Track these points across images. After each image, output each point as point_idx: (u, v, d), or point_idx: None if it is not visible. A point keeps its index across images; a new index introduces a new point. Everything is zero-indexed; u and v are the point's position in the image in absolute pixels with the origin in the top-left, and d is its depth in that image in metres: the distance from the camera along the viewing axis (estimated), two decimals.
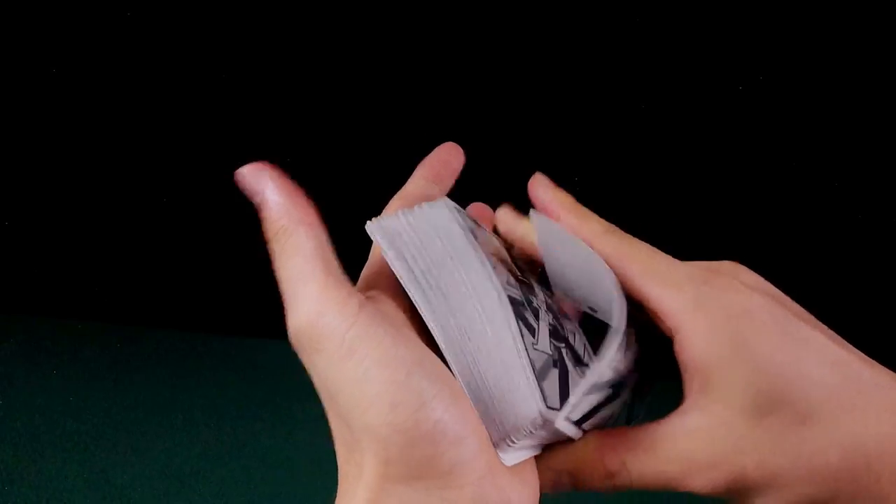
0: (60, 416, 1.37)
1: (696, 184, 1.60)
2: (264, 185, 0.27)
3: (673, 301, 0.25)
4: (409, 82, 1.52)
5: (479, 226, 0.31)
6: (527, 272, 0.30)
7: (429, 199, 0.32)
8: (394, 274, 0.27)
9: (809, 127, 1.56)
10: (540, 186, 0.33)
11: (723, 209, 1.62)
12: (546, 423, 0.24)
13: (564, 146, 1.57)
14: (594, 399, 0.26)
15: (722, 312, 0.24)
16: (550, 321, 0.27)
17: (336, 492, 0.25)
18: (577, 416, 0.25)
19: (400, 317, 0.26)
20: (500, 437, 0.25)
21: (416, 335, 0.25)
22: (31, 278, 1.61)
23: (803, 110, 1.55)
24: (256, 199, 0.27)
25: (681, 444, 0.24)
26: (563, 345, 0.27)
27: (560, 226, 0.30)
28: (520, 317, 0.25)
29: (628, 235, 0.28)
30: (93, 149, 1.53)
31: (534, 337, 0.25)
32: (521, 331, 0.25)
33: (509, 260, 0.30)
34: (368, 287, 0.28)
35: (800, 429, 0.23)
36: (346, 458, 0.24)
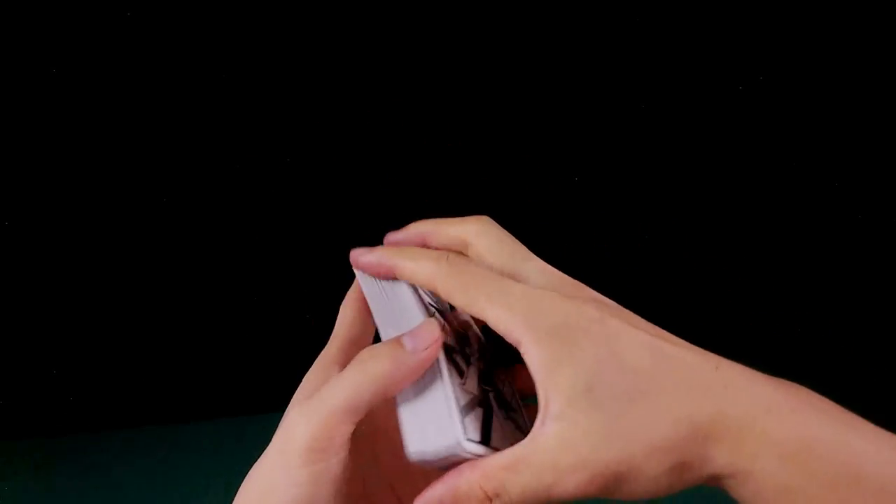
0: None
1: (696, 184, 1.60)
2: (423, 341, 0.29)
3: (508, 322, 0.27)
4: (409, 83, 1.52)
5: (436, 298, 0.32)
6: (470, 328, 0.33)
7: (368, 329, 0.35)
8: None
9: (809, 127, 1.56)
10: (360, 255, 0.33)
11: (723, 209, 1.62)
12: (459, 452, 0.26)
13: (564, 146, 1.57)
14: (476, 415, 0.28)
15: (545, 324, 0.27)
16: (482, 367, 0.30)
17: None
18: (474, 435, 0.27)
19: (358, 483, 0.31)
20: (417, 440, 0.27)
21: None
22: None
23: (803, 110, 1.55)
24: (410, 337, 0.30)
25: (544, 455, 0.26)
26: (492, 389, 0.30)
27: (374, 280, 0.32)
28: (449, 359, 0.28)
29: (462, 261, 0.30)
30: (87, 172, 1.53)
31: (462, 378, 0.28)
32: (449, 369, 0.28)
33: (453, 321, 0.32)
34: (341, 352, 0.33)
35: (630, 410, 0.26)
36: None
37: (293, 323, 1.55)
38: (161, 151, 1.52)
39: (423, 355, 0.28)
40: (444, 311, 0.31)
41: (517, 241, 0.32)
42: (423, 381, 0.28)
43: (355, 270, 0.33)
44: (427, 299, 0.31)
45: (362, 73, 1.51)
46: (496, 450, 0.27)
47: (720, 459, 0.26)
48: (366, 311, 0.34)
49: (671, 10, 1.49)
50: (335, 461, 0.27)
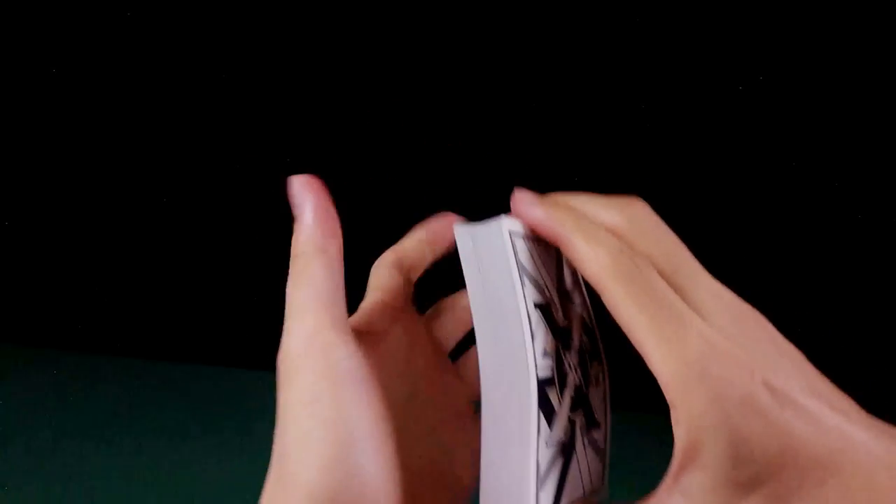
0: None
1: (696, 183, 1.60)
2: (305, 202, 0.26)
3: (674, 378, 0.23)
4: (409, 83, 1.52)
5: (534, 244, 0.27)
6: (575, 317, 0.28)
7: (423, 259, 0.31)
8: (396, 313, 0.27)
9: (809, 127, 1.56)
10: (525, 201, 0.28)
11: (723, 209, 1.62)
12: None
13: (564, 146, 1.57)
14: (552, 481, 0.25)
15: (720, 398, 0.23)
16: (577, 381, 0.27)
17: None
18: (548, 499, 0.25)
19: (382, 372, 0.27)
20: (491, 500, 0.25)
21: (382, 400, 0.25)
22: None
23: (803, 110, 1.55)
24: (295, 211, 0.27)
25: None
26: (580, 410, 0.27)
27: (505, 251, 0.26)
28: (542, 405, 0.25)
29: (645, 268, 0.25)
30: (89, 149, 1.52)
31: (550, 427, 0.25)
32: (539, 428, 0.25)
33: (552, 288, 0.27)
34: (367, 326, 0.29)
35: None
36: (272, 491, 0.25)
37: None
38: (161, 151, 1.52)
39: (310, 209, 0.26)
40: (550, 306, 0.27)
41: (678, 239, 0.27)
42: (509, 432, 0.25)
43: (459, 232, 0.27)
44: (535, 297, 0.26)
45: (362, 73, 1.50)
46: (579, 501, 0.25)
47: None
48: (405, 270, 0.31)
49: (671, 10, 1.49)
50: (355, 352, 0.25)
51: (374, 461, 0.24)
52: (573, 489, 0.26)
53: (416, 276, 0.32)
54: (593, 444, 0.28)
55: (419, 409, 0.30)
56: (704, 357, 0.23)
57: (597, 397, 0.28)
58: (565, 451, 0.26)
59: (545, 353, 0.26)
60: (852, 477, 0.23)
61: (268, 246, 1.58)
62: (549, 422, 0.25)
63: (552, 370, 0.26)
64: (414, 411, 0.30)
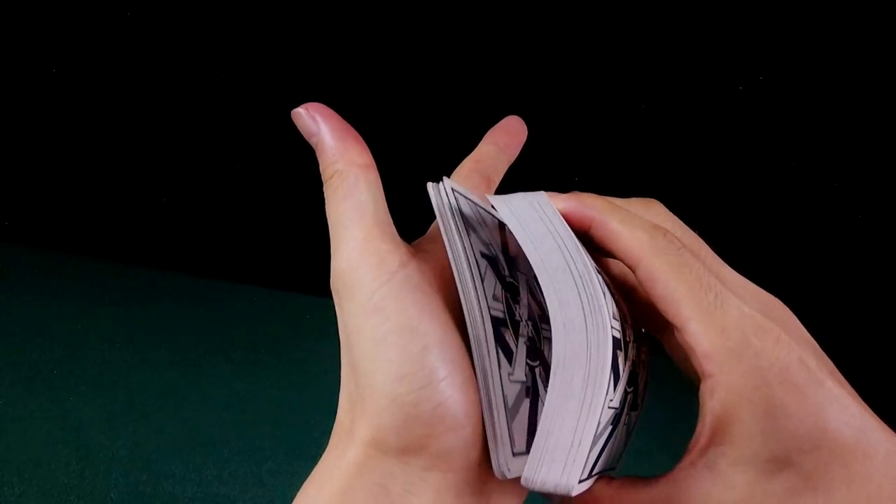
0: (22, 343, 1.32)
1: (696, 183, 1.60)
2: (320, 126, 0.26)
3: (713, 347, 0.23)
4: (409, 83, 1.52)
5: (473, 210, 0.28)
6: (513, 255, 0.29)
7: (500, 163, 0.32)
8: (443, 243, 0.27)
9: (809, 127, 1.56)
10: (556, 196, 0.28)
11: (723, 209, 1.62)
12: (566, 493, 0.23)
13: (564, 146, 1.57)
14: (598, 447, 0.25)
15: (759, 369, 0.23)
16: (529, 333, 0.27)
17: (323, 445, 0.25)
18: (583, 474, 0.24)
19: (438, 284, 0.26)
20: (496, 452, 0.24)
21: (446, 309, 0.24)
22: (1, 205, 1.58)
23: (803, 110, 1.55)
24: (312, 141, 0.26)
25: (685, 501, 0.23)
26: (538, 362, 0.27)
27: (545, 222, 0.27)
28: (499, 341, 0.25)
29: (681, 243, 0.25)
30: (93, 145, 1.52)
31: (510, 365, 0.25)
32: (499, 360, 0.25)
33: (496, 246, 0.28)
34: (420, 245, 0.28)
35: (801, 493, 0.23)
36: (346, 409, 0.24)
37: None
38: (161, 152, 1.52)
39: (327, 130, 0.26)
40: (496, 260, 0.28)
41: (698, 237, 0.27)
42: (477, 362, 0.24)
43: (506, 214, 0.27)
44: (480, 247, 0.27)
45: (362, 73, 1.50)
46: (601, 474, 0.25)
47: None
48: (485, 174, 0.31)
49: (671, 10, 1.49)
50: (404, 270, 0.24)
51: (448, 370, 0.23)
52: (610, 454, 0.26)
53: (496, 179, 0.33)
54: (631, 413, 0.28)
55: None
56: (745, 328, 0.23)
57: (549, 354, 0.28)
58: (530, 394, 0.26)
59: (494, 297, 0.26)
60: (875, 466, 0.23)
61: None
62: (509, 359, 0.25)
63: (503, 313, 0.26)
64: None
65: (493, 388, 0.24)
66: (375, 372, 0.23)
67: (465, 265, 0.25)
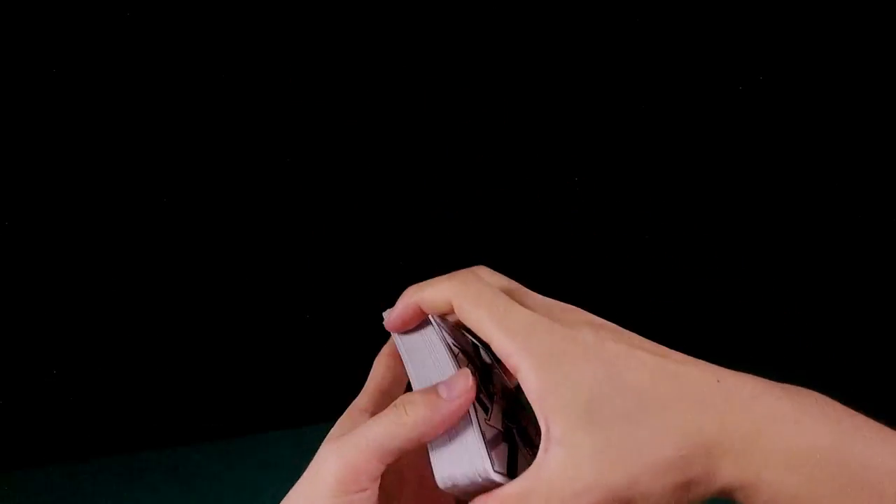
0: None
1: (696, 183, 1.60)
2: (462, 390, 0.29)
3: (508, 346, 0.27)
4: (410, 83, 1.52)
5: (456, 329, 0.34)
6: (494, 368, 0.34)
7: (393, 391, 0.36)
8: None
9: (809, 127, 1.56)
10: (389, 315, 0.34)
11: (723, 209, 1.62)
12: (486, 482, 0.27)
13: (564, 146, 1.57)
14: (502, 449, 0.29)
15: (542, 350, 0.27)
16: (505, 406, 0.31)
17: None
18: (501, 468, 0.28)
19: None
20: (447, 469, 0.28)
21: None
22: None
23: (803, 110, 1.55)
24: (449, 379, 0.29)
25: (550, 483, 0.26)
26: (516, 426, 0.31)
27: (405, 338, 0.33)
28: (475, 397, 0.29)
29: (476, 280, 0.30)
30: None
31: (487, 415, 0.29)
32: (475, 407, 0.29)
33: (471, 353, 0.34)
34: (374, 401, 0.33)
35: (632, 430, 0.26)
36: None
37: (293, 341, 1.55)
38: (161, 152, 1.52)
39: (457, 402, 0.28)
40: (468, 352, 0.32)
41: (498, 291, 0.32)
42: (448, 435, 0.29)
43: (391, 331, 0.34)
44: (453, 344, 0.32)
45: (362, 73, 1.51)
46: None
47: (727, 473, 0.26)
48: (398, 364, 0.34)
49: (671, 10, 1.49)
50: (364, 495, 0.28)
51: None
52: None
53: (399, 392, 0.36)
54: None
55: None
56: (529, 326, 0.28)
57: (531, 433, 0.32)
58: (507, 439, 0.29)
59: (470, 369, 0.30)
60: (683, 392, 0.27)
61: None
62: (485, 410, 0.29)
63: (478, 382, 0.30)
64: None
65: (473, 424, 0.28)
66: None
67: (435, 347, 0.31)
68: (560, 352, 0.27)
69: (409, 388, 0.32)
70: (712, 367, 0.28)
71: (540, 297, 0.31)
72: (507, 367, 0.28)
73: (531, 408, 0.31)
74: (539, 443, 0.30)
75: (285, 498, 0.29)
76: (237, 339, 1.56)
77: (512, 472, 0.28)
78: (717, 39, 1.52)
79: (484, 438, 0.28)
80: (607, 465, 0.25)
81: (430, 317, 0.32)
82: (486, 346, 0.34)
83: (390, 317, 0.33)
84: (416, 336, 0.32)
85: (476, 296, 0.30)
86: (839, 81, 1.53)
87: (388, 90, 1.51)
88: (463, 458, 0.28)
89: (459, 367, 0.30)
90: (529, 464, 0.29)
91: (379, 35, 1.49)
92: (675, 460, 0.26)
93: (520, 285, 0.32)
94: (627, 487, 0.25)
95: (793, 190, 1.60)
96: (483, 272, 0.32)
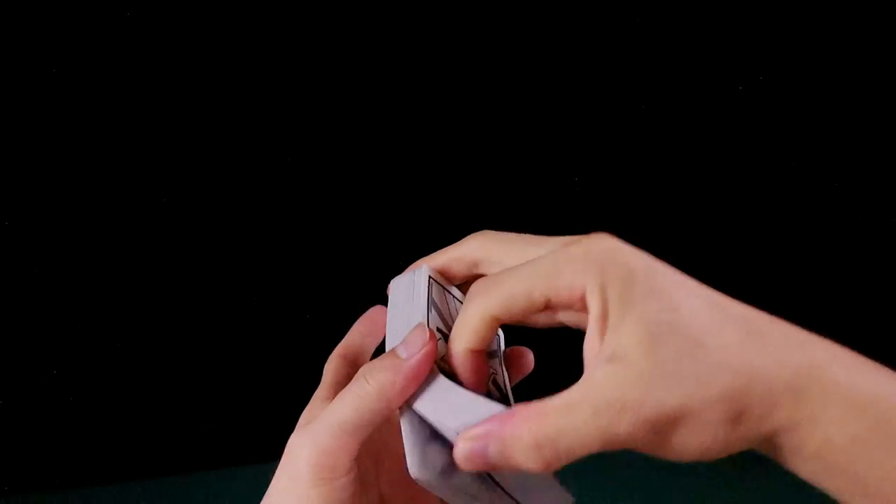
0: None
1: (695, 183, 1.60)
2: (417, 349, 0.28)
3: (576, 268, 0.27)
4: (410, 83, 1.52)
5: (443, 290, 0.33)
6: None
7: (365, 348, 0.35)
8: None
9: (809, 127, 1.56)
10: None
11: (723, 209, 1.62)
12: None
13: (564, 146, 1.57)
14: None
15: (614, 273, 0.26)
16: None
17: None
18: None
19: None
20: (418, 462, 0.27)
21: None
22: None
23: (803, 110, 1.55)
24: (398, 345, 0.29)
25: (598, 393, 0.25)
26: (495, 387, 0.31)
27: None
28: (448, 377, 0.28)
29: (503, 234, 0.31)
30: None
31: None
32: (447, 386, 0.28)
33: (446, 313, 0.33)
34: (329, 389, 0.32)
35: (690, 357, 0.25)
36: None
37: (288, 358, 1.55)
38: (161, 152, 1.52)
39: (418, 358, 0.28)
40: (444, 312, 0.31)
41: (522, 234, 0.31)
42: (423, 400, 0.28)
43: (392, 286, 0.33)
44: (439, 324, 0.31)
45: (362, 73, 1.51)
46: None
47: (784, 410, 0.25)
48: (351, 359, 0.34)
49: (671, 10, 1.50)
50: (343, 481, 0.28)
51: None
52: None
53: (363, 362, 0.35)
54: None
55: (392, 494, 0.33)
56: (589, 249, 0.28)
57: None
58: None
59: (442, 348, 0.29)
60: (764, 324, 0.26)
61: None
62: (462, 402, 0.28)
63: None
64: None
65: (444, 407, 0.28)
66: None
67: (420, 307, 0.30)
68: (629, 276, 0.26)
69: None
70: (766, 314, 0.27)
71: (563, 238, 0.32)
72: (564, 297, 0.27)
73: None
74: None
75: (264, 497, 0.28)
76: (233, 368, 1.56)
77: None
78: (717, 39, 1.52)
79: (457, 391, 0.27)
80: (660, 382, 0.24)
81: (427, 276, 0.31)
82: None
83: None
84: (403, 293, 0.31)
85: (516, 239, 0.30)
86: (839, 81, 1.53)
87: (388, 90, 1.51)
88: (433, 450, 0.27)
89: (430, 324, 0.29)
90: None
91: (379, 35, 1.49)
92: (730, 391, 0.24)
93: (532, 236, 0.32)
94: (678, 409, 0.24)
95: (792, 190, 1.60)
96: (487, 245, 0.32)
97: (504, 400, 0.31)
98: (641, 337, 0.25)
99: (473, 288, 0.29)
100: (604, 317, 0.26)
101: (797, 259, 1.63)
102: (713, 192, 1.61)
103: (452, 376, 0.29)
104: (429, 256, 0.33)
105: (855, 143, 1.56)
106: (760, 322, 0.27)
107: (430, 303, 0.30)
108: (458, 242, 0.32)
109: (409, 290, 0.31)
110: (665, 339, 0.25)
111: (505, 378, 0.33)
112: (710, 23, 1.51)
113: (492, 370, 0.32)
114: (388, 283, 0.33)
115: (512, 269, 0.29)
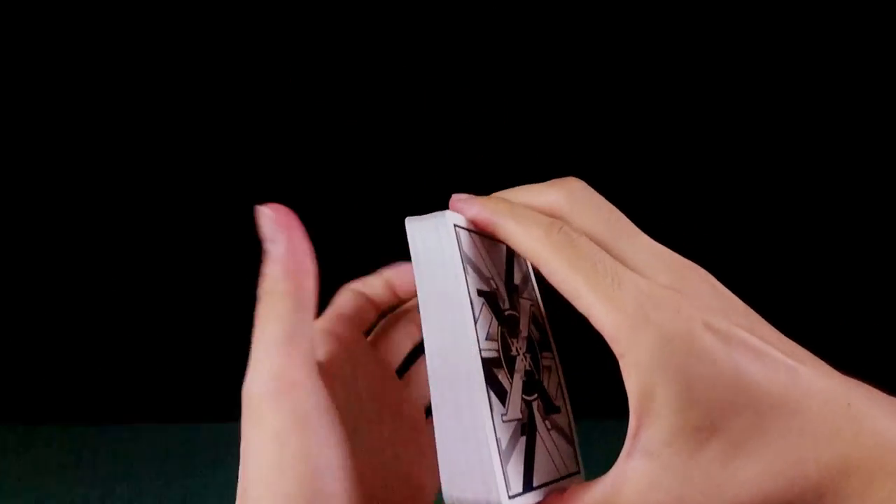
0: None
1: (695, 184, 1.60)
2: (276, 237, 0.26)
3: (616, 328, 0.23)
4: (409, 83, 1.52)
5: (481, 240, 0.28)
6: (521, 310, 0.29)
7: (386, 297, 0.32)
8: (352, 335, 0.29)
9: (809, 127, 1.56)
10: (460, 199, 0.29)
11: (723, 209, 1.62)
12: None
13: (564, 146, 1.57)
14: (517, 459, 0.25)
15: (663, 341, 0.23)
16: (527, 366, 0.27)
17: None
18: (512, 488, 0.24)
19: (351, 401, 0.28)
20: (456, 485, 0.25)
21: (345, 434, 0.26)
22: None
23: (803, 110, 1.55)
24: (265, 246, 0.26)
25: (628, 495, 0.23)
26: (535, 395, 0.27)
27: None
28: (491, 383, 0.25)
29: (576, 235, 0.25)
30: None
31: (504, 405, 0.25)
32: (490, 404, 0.25)
33: (498, 280, 0.28)
34: (331, 358, 0.29)
35: (744, 453, 0.22)
36: None
37: None
38: (160, 152, 1.52)
39: (284, 216, 0.26)
40: (495, 294, 0.28)
41: (615, 208, 0.27)
42: (461, 413, 0.25)
43: (409, 226, 0.27)
44: (478, 284, 0.27)
45: (362, 73, 1.50)
46: (539, 487, 0.25)
47: (829, 496, 0.22)
48: (365, 300, 0.31)
49: (671, 10, 1.49)
50: (304, 395, 0.25)
51: (338, 488, 0.25)
52: (546, 471, 0.26)
53: (379, 309, 0.33)
54: (558, 429, 0.28)
55: (374, 426, 0.30)
56: (642, 304, 0.23)
57: (552, 384, 0.29)
58: (526, 430, 0.26)
59: (489, 337, 0.26)
60: (812, 412, 0.22)
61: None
62: (502, 400, 0.25)
63: (498, 352, 0.26)
64: (370, 430, 0.30)
65: (487, 433, 0.24)
66: (263, 497, 0.24)
67: (456, 315, 0.26)
68: (680, 344, 0.22)
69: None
70: (840, 381, 0.24)
71: (649, 241, 0.26)
72: (612, 347, 0.24)
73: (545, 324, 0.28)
74: (561, 397, 0.28)
75: (241, 464, 0.26)
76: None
77: (528, 481, 0.25)
78: (717, 39, 1.52)
79: (499, 451, 0.24)
80: (699, 491, 0.22)
81: (451, 228, 0.27)
82: (515, 265, 0.29)
83: (462, 203, 0.28)
84: (427, 249, 0.27)
85: (572, 253, 0.24)
86: (839, 81, 1.53)
87: (389, 90, 1.51)
88: (474, 477, 0.25)
89: (473, 308, 0.26)
90: (549, 450, 0.27)
91: (379, 35, 1.49)
92: (783, 492, 0.22)
93: (622, 216, 0.27)
94: None
95: (792, 190, 1.60)
96: (579, 199, 0.27)
97: (545, 343, 0.29)
98: (686, 433, 0.22)
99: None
100: (642, 397, 0.23)
101: (797, 259, 1.62)
102: (713, 192, 1.61)
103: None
104: (508, 192, 0.29)
105: (855, 143, 1.56)
106: (835, 404, 0.23)
107: (464, 258, 0.27)
108: (546, 185, 0.28)
109: (436, 247, 0.27)
110: (717, 432, 0.22)
111: (541, 307, 0.30)
112: (710, 23, 1.51)
113: (531, 302, 0.29)
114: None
115: (580, 246, 0.25)
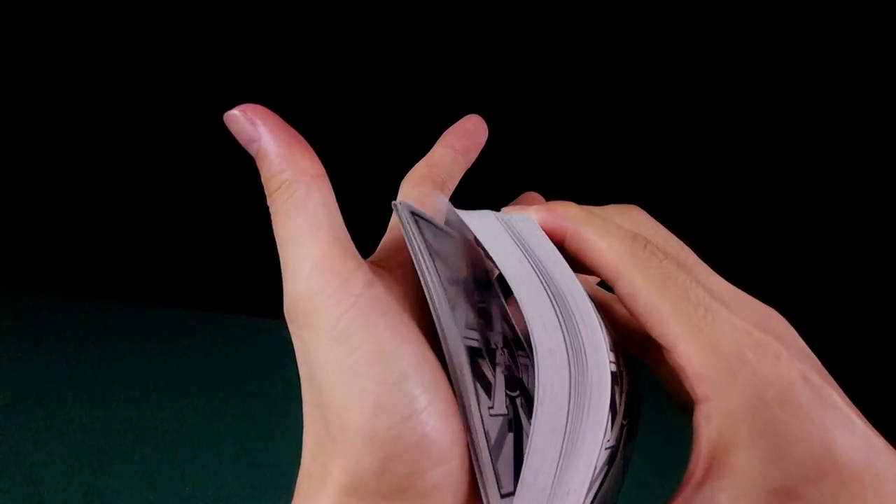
0: None
1: (695, 184, 1.60)
2: (261, 131, 0.23)
3: (706, 367, 0.21)
4: (409, 83, 1.52)
5: (436, 232, 0.26)
6: (492, 298, 0.26)
7: (455, 168, 0.29)
8: (411, 259, 0.24)
9: (809, 127, 1.56)
10: (542, 211, 0.25)
11: (723, 209, 1.62)
12: None
13: (564, 146, 1.57)
14: (593, 491, 0.23)
15: (758, 389, 0.21)
16: (507, 362, 0.25)
17: (292, 489, 0.23)
18: (508, 485, 0.22)
19: (407, 303, 0.23)
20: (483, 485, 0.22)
21: (419, 331, 0.22)
22: None
23: (803, 110, 1.55)
24: (251, 148, 0.23)
25: None
26: (517, 392, 0.25)
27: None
28: (476, 374, 0.23)
29: (662, 254, 0.23)
30: (93, 141, 1.52)
31: (490, 398, 0.23)
32: (477, 395, 0.23)
33: (466, 269, 0.26)
34: (380, 261, 0.25)
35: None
36: (314, 454, 0.22)
37: None
38: (160, 151, 1.52)
39: (267, 136, 0.23)
40: (466, 286, 0.26)
41: (682, 243, 0.25)
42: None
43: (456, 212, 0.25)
44: (447, 273, 0.25)
45: (362, 73, 1.50)
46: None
47: None
48: (437, 181, 0.28)
49: (671, 10, 1.49)
50: (355, 289, 0.21)
51: (429, 398, 0.21)
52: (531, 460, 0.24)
53: (452, 186, 0.29)
54: (526, 400, 0.26)
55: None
56: (740, 344, 0.21)
57: (532, 383, 0.26)
58: (513, 427, 0.24)
59: (468, 325, 0.24)
60: (886, 492, 0.21)
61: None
62: (487, 392, 0.23)
63: (479, 342, 0.24)
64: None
65: (475, 425, 0.22)
66: (347, 408, 0.20)
67: (440, 293, 0.23)
68: (774, 397, 0.20)
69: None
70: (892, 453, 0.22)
71: (723, 280, 0.24)
72: (688, 388, 0.21)
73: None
74: (534, 389, 0.25)
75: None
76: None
77: (517, 475, 0.23)
78: (717, 39, 1.52)
79: (488, 442, 0.22)
80: None
81: (408, 215, 0.24)
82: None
83: (537, 209, 0.25)
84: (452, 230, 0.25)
85: (659, 274, 0.22)
86: (839, 81, 1.53)
87: (388, 90, 1.51)
88: (485, 495, 0.22)
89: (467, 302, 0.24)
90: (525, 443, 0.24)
91: (379, 34, 1.49)
92: None
93: (691, 251, 0.24)
94: None
95: (792, 190, 1.60)
96: (646, 228, 0.24)
97: (517, 341, 0.26)
98: (761, 493, 0.20)
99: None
100: (720, 450, 0.21)
101: (797, 259, 1.63)
102: (713, 192, 1.61)
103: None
104: (569, 208, 0.25)
105: (855, 142, 1.56)
106: (885, 469, 0.21)
107: (431, 249, 0.25)
108: (603, 210, 0.25)
109: (406, 234, 0.24)
110: (791, 495, 0.20)
111: (505, 307, 0.27)
112: (710, 23, 1.51)
113: (497, 298, 0.27)
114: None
115: (667, 268, 0.23)
